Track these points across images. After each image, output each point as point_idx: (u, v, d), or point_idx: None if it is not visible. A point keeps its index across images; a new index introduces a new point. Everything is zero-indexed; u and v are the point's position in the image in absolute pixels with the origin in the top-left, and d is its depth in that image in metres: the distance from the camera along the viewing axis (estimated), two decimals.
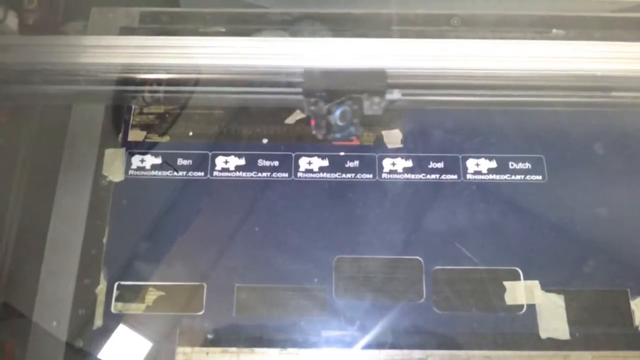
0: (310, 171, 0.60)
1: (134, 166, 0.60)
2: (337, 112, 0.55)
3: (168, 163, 0.60)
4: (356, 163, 0.60)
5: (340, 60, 0.56)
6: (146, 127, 0.62)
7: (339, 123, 0.55)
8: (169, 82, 0.58)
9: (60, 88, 0.58)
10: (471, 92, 0.58)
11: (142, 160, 0.60)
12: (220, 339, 0.54)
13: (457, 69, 0.56)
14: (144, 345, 0.53)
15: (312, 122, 0.58)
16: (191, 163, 0.60)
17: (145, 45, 0.58)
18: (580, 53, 0.57)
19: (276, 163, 0.60)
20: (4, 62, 0.57)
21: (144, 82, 0.57)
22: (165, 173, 0.60)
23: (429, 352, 0.53)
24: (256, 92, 0.58)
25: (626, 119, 0.62)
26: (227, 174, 0.60)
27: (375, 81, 0.55)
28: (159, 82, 0.58)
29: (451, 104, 0.60)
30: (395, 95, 0.55)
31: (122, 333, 0.54)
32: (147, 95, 0.58)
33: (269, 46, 0.57)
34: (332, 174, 0.60)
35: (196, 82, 0.58)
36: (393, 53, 0.57)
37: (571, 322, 0.54)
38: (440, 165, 0.60)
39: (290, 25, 0.65)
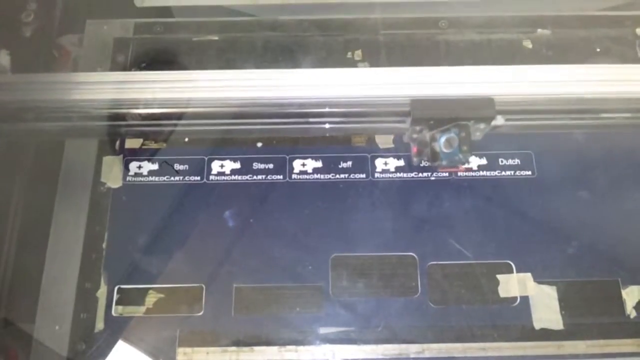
0: (305, 172, 0.61)
1: (131, 172, 0.61)
2: (442, 139, 0.55)
3: (168, 163, 0.61)
4: (349, 163, 0.61)
5: (447, 88, 0.56)
6: (142, 134, 0.63)
7: (444, 150, 0.55)
8: (173, 117, 0.57)
9: (52, 125, 0.57)
10: (562, 116, 0.59)
11: (139, 167, 0.61)
12: (220, 339, 0.55)
13: (552, 95, 0.56)
14: (145, 346, 0.54)
15: (414, 150, 0.59)
16: (188, 168, 0.61)
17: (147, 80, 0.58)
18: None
19: (271, 166, 0.61)
20: None
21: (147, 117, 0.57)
22: (162, 178, 0.61)
23: (425, 345, 0.54)
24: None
25: None
26: (223, 177, 0.61)
27: (484, 109, 0.55)
28: (159, 117, 0.57)
29: (543, 128, 0.61)
30: (499, 121, 0.55)
31: (124, 335, 0.55)
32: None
33: (373, 75, 0.57)
34: (326, 175, 0.61)
35: (236, 115, 0.57)
36: (498, 80, 0.57)
37: (564, 313, 0.55)
38: None
39: (281, 30, 0.67)
